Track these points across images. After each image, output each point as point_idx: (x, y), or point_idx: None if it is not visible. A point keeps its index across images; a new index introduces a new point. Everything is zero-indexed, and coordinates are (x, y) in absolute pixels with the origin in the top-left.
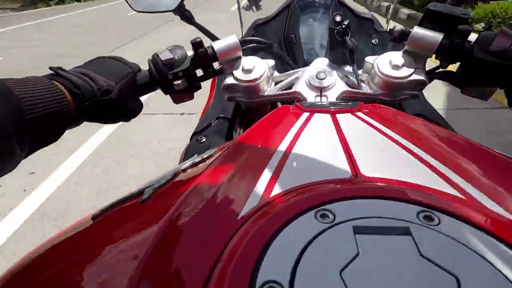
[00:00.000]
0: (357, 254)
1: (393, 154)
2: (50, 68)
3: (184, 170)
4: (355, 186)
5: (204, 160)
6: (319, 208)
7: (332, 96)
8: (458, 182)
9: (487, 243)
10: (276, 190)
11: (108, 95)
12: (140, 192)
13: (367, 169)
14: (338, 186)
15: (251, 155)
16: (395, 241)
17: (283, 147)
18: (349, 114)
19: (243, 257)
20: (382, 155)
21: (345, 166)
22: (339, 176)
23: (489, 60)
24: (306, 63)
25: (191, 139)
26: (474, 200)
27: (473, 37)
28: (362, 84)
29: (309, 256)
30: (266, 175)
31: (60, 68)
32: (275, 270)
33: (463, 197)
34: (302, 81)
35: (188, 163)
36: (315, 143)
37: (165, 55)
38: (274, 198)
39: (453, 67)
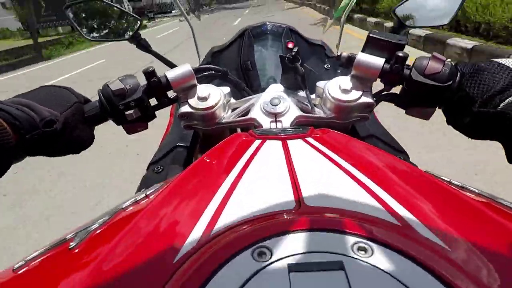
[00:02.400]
0: None
1: (338, 182)
2: None
3: (124, 209)
4: (294, 219)
5: (147, 196)
6: (255, 246)
7: (286, 121)
8: (396, 209)
9: (415, 274)
10: (218, 227)
11: (52, 126)
12: (72, 237)
13: (311, 199)
14: (278, 219)
15: (197, 190)
16: (328, 277)
17: (230, 178)
18: (299, 140)
19: None
20: (327, 182)
21: (289, 196)
22: (283, 207)
23: (425, 83)
24: (263, 90)
25: (147, 169)
26: (408, 227)
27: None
28: (316, 108)
29: None
30: (209, 212)
31: None
32: None
33: (398, 224)
34: (257, 107)
35: (129, 201)
36: (264, 173)
37: (115, 85)
38: (213, 237)
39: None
